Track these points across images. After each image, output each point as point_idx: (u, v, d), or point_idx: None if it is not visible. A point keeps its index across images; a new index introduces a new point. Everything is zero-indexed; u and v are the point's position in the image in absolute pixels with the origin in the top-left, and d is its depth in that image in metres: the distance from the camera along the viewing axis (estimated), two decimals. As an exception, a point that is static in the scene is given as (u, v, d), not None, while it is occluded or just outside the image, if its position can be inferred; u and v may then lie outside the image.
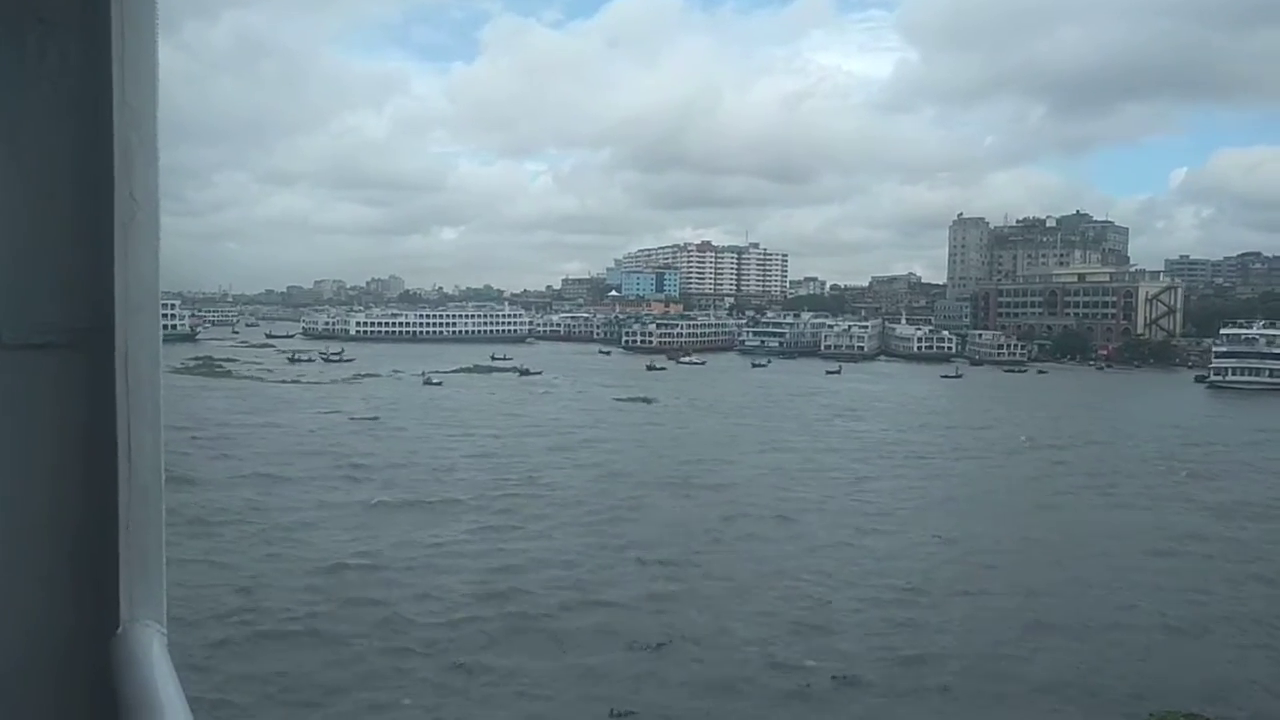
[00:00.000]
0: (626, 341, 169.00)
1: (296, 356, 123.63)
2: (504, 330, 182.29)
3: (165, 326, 1.64)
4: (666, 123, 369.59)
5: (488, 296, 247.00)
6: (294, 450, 51.74)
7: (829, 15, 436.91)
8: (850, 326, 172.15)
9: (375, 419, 66.48)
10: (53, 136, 1.52)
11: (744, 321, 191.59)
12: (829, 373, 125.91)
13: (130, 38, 1.50)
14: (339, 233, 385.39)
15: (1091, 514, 42.39)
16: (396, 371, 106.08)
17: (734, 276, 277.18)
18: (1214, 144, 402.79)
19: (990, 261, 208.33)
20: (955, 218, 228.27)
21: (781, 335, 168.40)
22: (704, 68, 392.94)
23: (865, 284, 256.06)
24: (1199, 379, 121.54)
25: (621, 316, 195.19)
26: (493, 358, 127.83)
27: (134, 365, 1.53)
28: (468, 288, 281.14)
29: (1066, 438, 66.49)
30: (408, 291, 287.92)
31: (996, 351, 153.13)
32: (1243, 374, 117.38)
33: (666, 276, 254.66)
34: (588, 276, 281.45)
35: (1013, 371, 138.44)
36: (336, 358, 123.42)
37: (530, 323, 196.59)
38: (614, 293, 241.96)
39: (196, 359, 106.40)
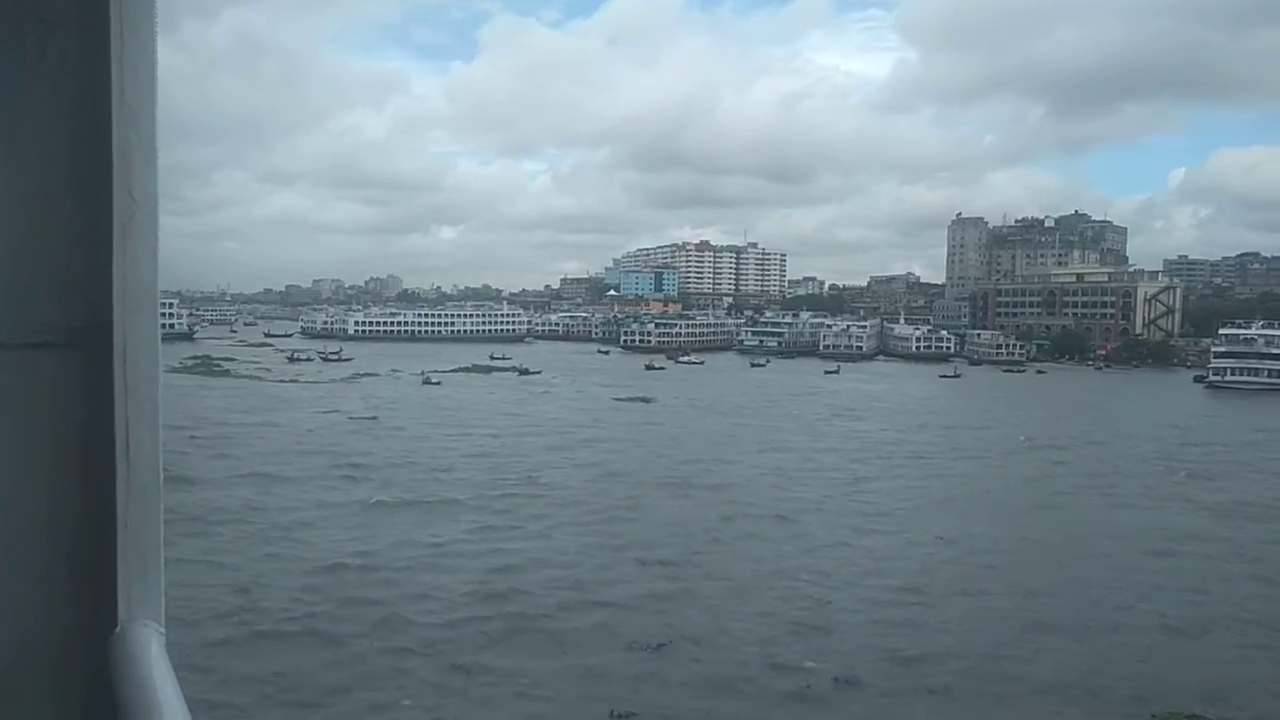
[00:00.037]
0: (625, 341, 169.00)
1: (295, 356, 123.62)
2: (502, 330, 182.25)
3: (163, 326, 1.60)
4: (665, 122, 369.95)
5: (486, 296, 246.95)
6: (292, 449, 51.67)
7: (828, 15, 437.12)
8: (849, 326, 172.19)
9: (374, 418, 66.45)
10: (52, 136, 1.52)
11: (742, 321, 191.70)
12: (827, 372, 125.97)
13: (129, 37, 1.50)
14: (338, 232, 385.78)
15: (1091, 514, 42.38)
16: (395, 371, 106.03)
17: (732, 276, 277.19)
18: (1212, 144, 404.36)
19: (989, 261, 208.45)
20: (954, 218, 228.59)
21: (780, 335, 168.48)
22: (703, 67, 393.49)
23: (864, 284, 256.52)
24: (1198, 379, 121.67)
25: (620, 316, 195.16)
26: (491, 357, 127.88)
27: (133, 364, 1.53)
28: (466, 287, 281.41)
29: (1065, 438, 66.51)
30: (406, 291, 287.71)
31: (995, 351, 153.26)
32: (1241, 374, 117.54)
33: (665, 276, 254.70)
34: (586, 276, 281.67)
35: (1011, 371, 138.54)
36: (335, 357, 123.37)
37: (529, 322, 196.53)
38: (612, 292, 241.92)
39: (194, 358, 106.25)
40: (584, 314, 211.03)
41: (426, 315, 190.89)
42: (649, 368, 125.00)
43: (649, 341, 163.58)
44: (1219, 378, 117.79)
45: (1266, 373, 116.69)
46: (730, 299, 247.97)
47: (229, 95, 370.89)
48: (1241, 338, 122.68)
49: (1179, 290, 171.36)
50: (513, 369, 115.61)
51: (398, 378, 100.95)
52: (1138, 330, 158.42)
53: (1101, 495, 46.86)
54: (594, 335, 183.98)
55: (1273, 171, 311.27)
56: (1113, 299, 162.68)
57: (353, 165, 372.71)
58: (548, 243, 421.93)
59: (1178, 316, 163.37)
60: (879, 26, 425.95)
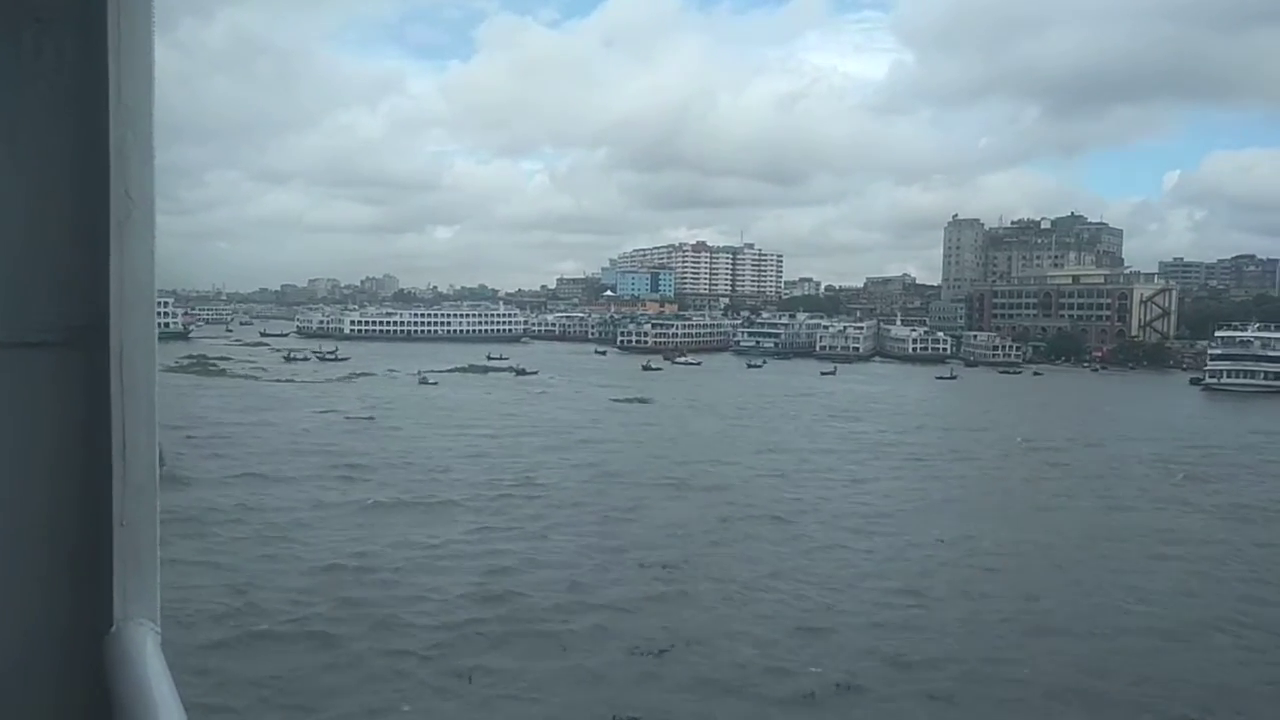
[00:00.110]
0: (622, 341, 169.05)
1: (291, 355, 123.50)
2: (499, 330, 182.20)
3: (159, 325, 1.58)
4: (662, 123, 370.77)
5: (482, 296, 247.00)
6: (289, 449, 51.46)
7: (824, 16, 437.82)
8: (845, 327, 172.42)
9: (370, 418, 66.28)
10: (49, 134, 1.52)
11: (739, 322, 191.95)
12: (824, 374, 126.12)
13: (126, 36, 1.49)
14: (333, 231, 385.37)
15: (1089, 516, 42.35)
16: (391, 371, 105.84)
17: (729, 277, 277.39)
18: (1207, 146, 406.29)
19: (985, 263, 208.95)
20: (950, 219, 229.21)
21: (777, 336, 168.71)
22: (700, 68, 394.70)
23: (860, 285, 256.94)
24: (1194, 381, 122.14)
25: (617, 316, 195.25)
26: (488, 357, 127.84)
27: (129, 363, 1.54)
28: (462, 287, 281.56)
29: (1062, 439, 66.59)
30: (402, 290, 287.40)
31: (991, 353, 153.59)
32: (1237, 376, 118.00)
33: (661, 277, 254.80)
34: (583, 276, 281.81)
35: (1008, 373, 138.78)
36: (331, 357, 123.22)
37: (525, 322, 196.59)
38: (609, 293, 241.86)
39: (190, 357, 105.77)
40: (580, 314, 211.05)
41: (423, 315, 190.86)
42: (646, 368, 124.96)
43: (645, 342, 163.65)
44: (1215, 380, 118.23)
45: (1262, 375, 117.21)
46: (726, 300, 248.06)
47: (224, 94, 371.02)
48: (1237, 340, 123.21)
49: (1174, 292, 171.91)
50: (509, 369, 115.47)
51: (394, 378, 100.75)
52: (1133, 332, 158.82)
53: (1099, 497, 46.87)
54: (590, 336, 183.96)
55: (1267, 174, 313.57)
56: (1109, 301, 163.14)
57: (349, 165, 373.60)
58: (544, 243, 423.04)
59: (1173, 319, 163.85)
60: (875, 28, 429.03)
